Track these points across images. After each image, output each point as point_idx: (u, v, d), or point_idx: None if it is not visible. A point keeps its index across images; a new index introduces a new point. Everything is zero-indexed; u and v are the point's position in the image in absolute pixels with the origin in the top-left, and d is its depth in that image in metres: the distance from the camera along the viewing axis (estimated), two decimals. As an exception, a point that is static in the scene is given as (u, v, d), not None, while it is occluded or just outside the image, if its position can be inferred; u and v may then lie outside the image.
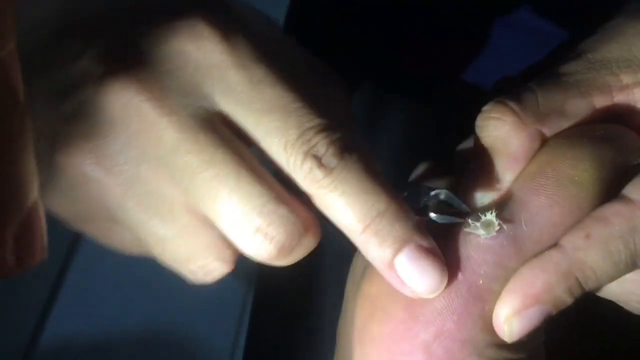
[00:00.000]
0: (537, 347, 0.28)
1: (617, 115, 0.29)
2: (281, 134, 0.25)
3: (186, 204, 0.26)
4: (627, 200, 0.26)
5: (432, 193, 0.27)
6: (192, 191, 0.26)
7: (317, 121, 0.26)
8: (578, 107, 0.29)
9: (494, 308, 0.26)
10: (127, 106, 0.26)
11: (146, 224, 0.27)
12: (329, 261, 0.43)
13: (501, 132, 0.27)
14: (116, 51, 0.26)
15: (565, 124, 0.28)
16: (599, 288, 0.27)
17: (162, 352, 1.09)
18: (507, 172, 0.27)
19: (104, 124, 0.26)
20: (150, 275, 1.16)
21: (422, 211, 0.27)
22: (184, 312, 1.11)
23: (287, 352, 0.49)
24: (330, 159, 0.25)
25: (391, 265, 0.25)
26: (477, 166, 0.28)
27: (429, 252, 0.25)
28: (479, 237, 0.26)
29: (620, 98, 0.29)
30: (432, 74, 0.46)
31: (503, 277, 0.26)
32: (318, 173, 0.25)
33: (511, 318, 0.25)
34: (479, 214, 0.26)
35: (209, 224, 0.27)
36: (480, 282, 0.26)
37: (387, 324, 0.26)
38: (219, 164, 0.25)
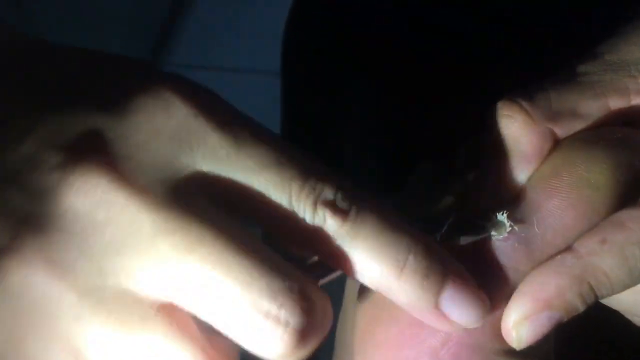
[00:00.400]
0: (546, 354, 0.27)
1: (633, 119, 0.28)
2: (281, 188, 0.23)
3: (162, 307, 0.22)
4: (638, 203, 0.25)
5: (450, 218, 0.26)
6: (172, 283, 0.22)
7: (315, 168, 0.24)
8: (592, 108, 0.28)
9: (503, 313, 0.25)
10: (90, 192, 0.22)
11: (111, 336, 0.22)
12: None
13: (511, 130, 0.27)
14: (69, 132, 0.23)
15: (579, 125, 0.28)
16: (611, 295, 0.26)
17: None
18: (517, 172, 0.27)
19: (60, 219, 0.22)
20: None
21: (444, 236, 0.25)
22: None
23: None
24: (343, 202, 0.23)
25: (437, 305, 0.23)
26: (486, 166, 0.27)
27: (468, 281, 0.24)
28: (490, 238, 0.25)
29: (638, 101, 0.28)
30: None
31: (513, 281, 0.25)
32: (334, 220, 0.23)
33: (520, 323, 0.25)
34: (490, 214, 0.25)
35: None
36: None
37: (393, 328, 0.26)
38: (208, 242, 0.21)
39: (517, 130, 0.27)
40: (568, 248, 0.25)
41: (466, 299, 0.24)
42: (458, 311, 0.24)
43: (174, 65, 1.37)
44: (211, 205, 0.23)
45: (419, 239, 0.23)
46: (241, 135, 0.23)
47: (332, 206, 0.23)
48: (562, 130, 0.27)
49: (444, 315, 0.23)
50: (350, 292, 0.30)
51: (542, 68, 0.29)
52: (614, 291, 0.25)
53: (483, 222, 0.26)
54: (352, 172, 0.47)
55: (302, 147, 0.54)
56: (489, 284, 0.25)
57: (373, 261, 0.23)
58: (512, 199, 0.26)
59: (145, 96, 0.23)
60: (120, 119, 0.23)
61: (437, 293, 0.23)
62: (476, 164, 0.28)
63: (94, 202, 0.22)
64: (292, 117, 0.52)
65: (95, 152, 0.23)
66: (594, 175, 0.25)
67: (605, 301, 0.27)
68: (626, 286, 0.25)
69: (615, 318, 0.29)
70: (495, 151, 0.27)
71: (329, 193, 0.23)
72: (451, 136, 0.30)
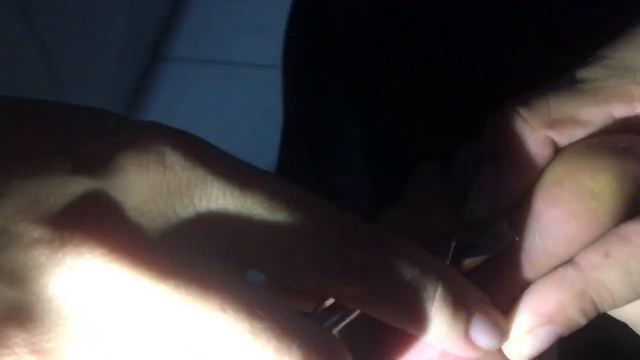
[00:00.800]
0: None
1: (638, 126, 0.27)
2: (304, 229, 0.21)
3: None
4: None
5: (458, 241, 0.25)
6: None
7: (330, 206, 0.22)
8: (594, 114, 0.27)
9: None
10: (83, 270, 0.19)
11: None
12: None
13: (509, 138, 0.26)
14: (52, 200, 0.20)
15: (580, 132, 0.27)
16: (613, 309, 0.25)
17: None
18: (516, 181, 0.26)
19: (48, 303, 0.19)
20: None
21: (454, 261, 0.25)
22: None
23: None
24: (367, 239, 0.22)
25: (467, 334, 0.23)
26: (485, 174, 0.27)
27: (490, 306, 0.24)
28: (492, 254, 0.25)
29: None
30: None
31: (513, 292, 0.25)
32: (362, 254, 0.22)
33: (521, 338, 0.24)
34: (490, 224, 0.25)
35: None
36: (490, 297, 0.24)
37: (392, 339, 0.25)
38: (213, 299, 0.20)
39: (515, 138, 0.26)
40: (570, 261, 0.24)
41: (492, 324, 0.24)
42: (485, 337, 0.24)
43: (175, 60, 1.37)
44: (216, 261, 0.21)
45: (444, 271, 0.23)
46: (243, 178, 0.22)
47: (356, 242, 0.22)
48: (563, 137, 0.27)
49: (472, 343, 0.23)
50: None
51: (543, 74, 0.29)
52: (616, 305, 0.25)
53: (484, 237, 0.25)
54: (352, 165, 0.46)
55: (303, 141, 0.53)
56: (489, 296, 0.24)
57: (402, 295, 0.23)
58: (512, 208, 0.26)
59: (135, 150, 0.21)
60: (111, 180, 0.20)
61: (467, 322, 0.23)
62: (473, 172, 0.27)
63: (88, 281, 0.19)
64: (294, 111, 0.51)
65: (85, 222, 0.19)
66: (598, 185, 0.25)
67: (610, 312, 0.26)
68: (629, 301, 0.25)
69: (618, 326, 0.28)
70: (493, 159, 0.26)
71: (351, 230, 0.22)
72: (451, 140, 0.29)
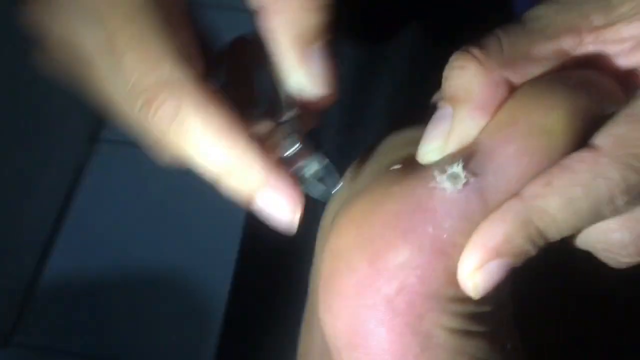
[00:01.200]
0: (502, 299, 0.28)
1: (589, 61, 0.28)
2: None
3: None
4: (592, 147, 0.25)
5: (311, 166, 0.28)
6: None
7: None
8: (545, 50, 0.27)
9: (458, 262, 0.25)
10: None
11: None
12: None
13: (463, 80, 0.26)
14: None
15: (535, 70, 0.27)
16: (560, 237, 0.26)
17: (158, 291, 1.11)
18: (471, 121, 0.26)
19: None
20: (149, 216, 1.18)
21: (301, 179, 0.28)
22: (181, 253, 1.13)
23: (271, 305, 0.49)
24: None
25: (251, 204, 0.27)
26: (440, 114, 0.27)
27: (283, 191, 0.27)
28: (444, 190, 0.25)
29: (590, 40, 0.28)
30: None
31: (468, 231, 0.25)
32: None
33: (474, 273, 0.25)
34: (445, 166, 0.25)
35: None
36: (445, 236, 0.25)
37: (351, 278, 0.26)
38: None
39: (469, 80, 0.26)
40: (515, 194, 0.25)
41: (277, 205, 0.28)
42: (267, 213, 0.28)
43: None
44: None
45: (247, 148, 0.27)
46: None
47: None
48: (518, 76, 0.27)
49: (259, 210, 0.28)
50: (319, 245, 0.31)
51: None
52: (562, 233, 0.25)
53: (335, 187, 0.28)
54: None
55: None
56: (445, 234, 0.25)
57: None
58: (467, 148, 0.26)
59: None
60: None
61: (251, 196, 0.28)
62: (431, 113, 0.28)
63: None
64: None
65: None
66: (550, 121, 0.25)
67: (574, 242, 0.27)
68: (575, 228, 0.25)
69: (574, 259, 0.29)
70: (448, 101, 0.27)
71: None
72: None
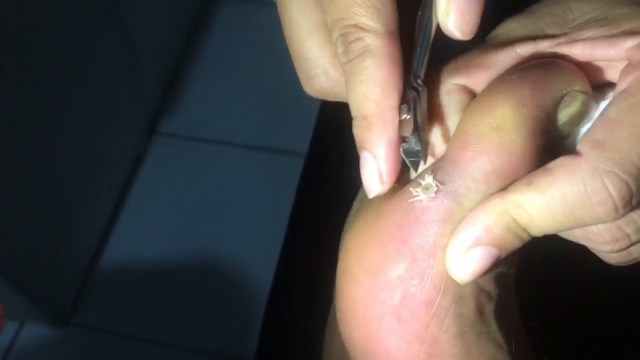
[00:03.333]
0: (506, 295, 0.29)
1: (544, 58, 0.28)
2: None
3: None
4: (575, 152, 0.26)
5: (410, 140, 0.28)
6: None
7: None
8: (499, 56, 0.29)
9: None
10: None
11: None
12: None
13: (431, 100, 0.29)
14: None
15: (490, 74, 0.29)
16: (542, 234, 0.26)
17: (207, 278, 1.15)
18: (434, 133, 0.29)
19: None
20: (202, 206, 1.22)
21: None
22: (230, 242, 1.16)
23: (312, 295, 0.51)
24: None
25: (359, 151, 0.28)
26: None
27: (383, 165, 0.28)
28: (422, 201, 0.27)
29: (545, 45, 0.29)
30: None
31: (450, 231, 0.26)
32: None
33: (457, 260, 0.26)
34: (419, 180, 0.27)
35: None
36: (432, 242, 0.26)
37: (358, 292, 0.28)
38: None
39: (432, 97, 0.28)
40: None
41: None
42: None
43: (230, 1, 1.40)
44: None
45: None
46: None
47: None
48: (475, 81, 0.29)
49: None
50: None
51: None
52: (542, 231, 0.26)
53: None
54: None
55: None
56: (432, 240, 0.26)
57: None
58: (437, 160, 0.28)
59: None
60: None
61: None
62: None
63: None
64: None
65: None
66: (497, 119, 0.26)
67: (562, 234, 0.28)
68: (554, 228, 0.26)
69: (575, 259, 0.30)
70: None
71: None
72: None
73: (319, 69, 0.30)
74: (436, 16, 0.27)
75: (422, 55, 0.29)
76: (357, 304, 0.28)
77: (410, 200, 0.27)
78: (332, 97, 0.31)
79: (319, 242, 0.46)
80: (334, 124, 0.54)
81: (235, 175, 1.23)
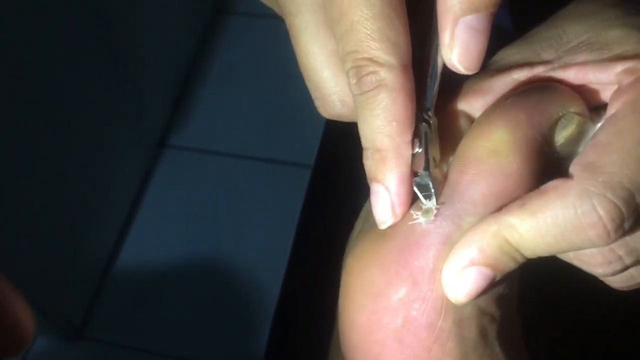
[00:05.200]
0: (508, 316, 0.29)
1: (540, 82, 0.29)
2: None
3: None
4: (567, 176, 0.26)
5: (421, 175, 0.28)
6: None
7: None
8: (497, 82, 0.29)
9: None
10: None
11: None
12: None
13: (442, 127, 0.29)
14: None
15: (488, 100, 0.29)
16: (536, 256, 0.26)
17: (218, 289, 1.15)
18: (440, 161, 0.29)
19: None
20: (213, 217, 1.22)
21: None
22: (240, 254, 1.17)
23: (319, 305, 0.52)
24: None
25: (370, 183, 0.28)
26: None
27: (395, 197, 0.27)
28: (422, 224, 0.27)
29: (540, 70, 0.29)
30: None
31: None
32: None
33: (452, 281, 0.26)
34: (419, 203, 0.27)
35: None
36: (431, 265, 0.27)
37: (360, 316, 0.28)
38: None
39: (444, 123, 0.29)
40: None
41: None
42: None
43: (237, 15, 1.41)
44: None
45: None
46: None
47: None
48: (473, 107, 0.29)
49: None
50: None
51: None
52: (534, 253, 0.26)
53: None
54: None
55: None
56: (431, 263, 0.27)
57: None
58: (437, 184, 0.28)
59: None
60: None
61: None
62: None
63: None
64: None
65: None
66: (493, 142, 0.26)
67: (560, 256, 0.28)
68: (546, 251, 0.26)
69: (579, 286, 0.30)
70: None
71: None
72: None
73: (335, 96, 0.30)
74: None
75: (432, 86, 0.29)
76: (359, 327, 0.28)
77: (411, 223, 0.27)
78: (346, 120, 0.31)
79: (326, 253, 0.46)
80: (340, 136, 0.55)
81: (243, 187, 1.23)
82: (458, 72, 0.27)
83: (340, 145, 0.55)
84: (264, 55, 1.33)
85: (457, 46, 0.26)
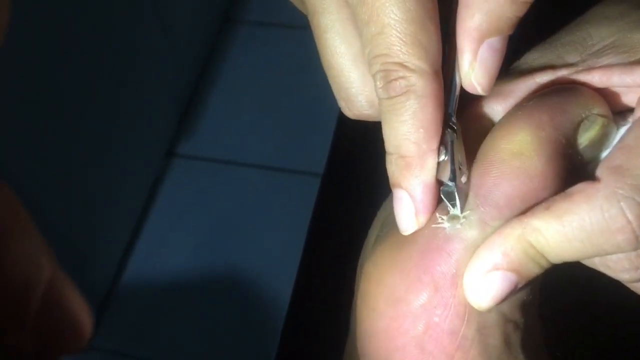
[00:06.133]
0: (531, 322, 0.28)
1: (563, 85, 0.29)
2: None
3: None
4: (594, 178, 0.25)
5: (448, 184, 0.27)
6: None
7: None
8: (518, 84, 0.29)
9: None
10: None
11: None
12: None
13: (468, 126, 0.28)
14: None
15: (510, 102, 0.29)
16: (562, 261, 0.26)
17: (228, 299, 1.15)
18: (466, 163, 0.28)
19: None
20: (222, 227, 1.22)
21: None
22: (249, 263, 1.16)
23: (330, 313, 0.51)
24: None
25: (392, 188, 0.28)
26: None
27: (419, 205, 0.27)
28: (445, 228, 0.26)
29: (564, 72, 0.28)
30: None
31: None
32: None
33: (475, 286, 0.25)
34: (445, 207, 0.27)
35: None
36: (454, 270, 0.26)
37: (380, 322, 0.27)
38: None
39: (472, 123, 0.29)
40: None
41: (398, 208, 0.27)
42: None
43: (246, 23, 1.42)
44: None
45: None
46: None
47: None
48: (494, 110, 0.29)
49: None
50: (356, 286, 0.31)
51: None
52: (560, 258, 0.25)
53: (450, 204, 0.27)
54: None
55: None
56: (454, 269, 0.26)
57: None
58: (462, 187, 0.27)
59: None
60: None
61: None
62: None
63: None
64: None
65: None
66: (516, 145, 0.26)
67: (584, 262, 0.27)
68: (572, 256, 0.25)
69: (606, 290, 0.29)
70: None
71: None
72: None
73: (361, 97, 0.29)
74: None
75: (454, 90, 0.28)
76: (378, 334, 0.27)
77: (434, 226, 0.27)
78: (371, 120, 0.30)
79: (336, 261, 0.46)
80: (349, 144, 0.55)
81: (253, 195, 1.23)
82: (474, 92, 0.27)
83: (350, 153, 0.55)
84: (273, 64, 1.33)
85: (478, 67, 0.26)
